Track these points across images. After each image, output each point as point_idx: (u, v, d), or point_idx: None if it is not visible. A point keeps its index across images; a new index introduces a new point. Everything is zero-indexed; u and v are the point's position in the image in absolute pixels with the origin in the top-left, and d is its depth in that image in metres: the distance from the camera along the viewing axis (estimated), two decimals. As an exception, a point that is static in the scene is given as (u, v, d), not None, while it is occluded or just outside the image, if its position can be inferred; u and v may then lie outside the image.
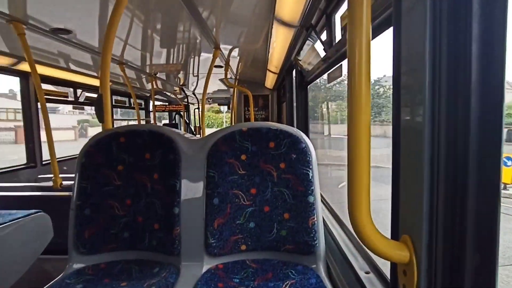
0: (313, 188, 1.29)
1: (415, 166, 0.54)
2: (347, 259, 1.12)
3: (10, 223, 1.70)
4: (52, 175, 3.43)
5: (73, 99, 4.30)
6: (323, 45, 1.57)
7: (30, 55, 2.23)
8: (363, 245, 0.56)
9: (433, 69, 0.50)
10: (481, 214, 0.47)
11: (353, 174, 0.52)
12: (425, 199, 0.51)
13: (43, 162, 3.61)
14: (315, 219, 1.27)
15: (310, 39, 1.87)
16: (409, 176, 0.56)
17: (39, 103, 3.48)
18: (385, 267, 0.97)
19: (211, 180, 1.34)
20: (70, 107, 5.26)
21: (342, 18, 1.27)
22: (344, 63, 1.56)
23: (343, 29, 1.29)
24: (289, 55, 2.56)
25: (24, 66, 3.15)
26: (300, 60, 2.16)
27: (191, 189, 1.36)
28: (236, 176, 1.35)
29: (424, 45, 0.50)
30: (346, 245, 1.23)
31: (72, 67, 3.64)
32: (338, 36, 1.47)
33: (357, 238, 0.56)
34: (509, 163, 7.39)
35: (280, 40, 2.21)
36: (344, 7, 1.44)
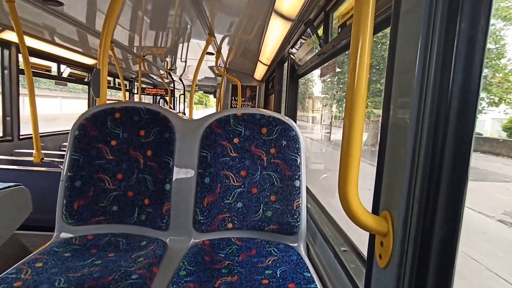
0: (300, 173, 1.37)
1: (399, 154, 0.62)
2: (327, 239, 1.22)
3: None
4: (28, 150, 3.32)
5: (56, 74, 4.15)
6: (319, 40, 1.64)
7: (19, 25, 2.14)
8: (349, 220, 0.64)
9: (422, 72, 0.57)
10: (450, 195, 0.55)
11: (345, 158, 0.60)
12: (405, 181, 0.60)
13: (20, 137, 3.50)
14: (300, 202, 1.36)
15: (305, 33, 1.93)
16: (393, 161, 0.64)
17: (19, 75, 3.35)
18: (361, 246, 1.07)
19: (203, 160, 1.39)
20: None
21: (340, 16, 1.34)
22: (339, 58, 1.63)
23: (340, 26, 1.36)
24: (282, 47, 2.61)
25: (6, 35, 3.00)
26: (293, 53, 2.22)
27: (184, 168, 1.40)
28: (228, 158, 1.40)
29: (417, 49, 0.57)
30: (327, 227, 1.33)
31: (58, 40, 3.49)
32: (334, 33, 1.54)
33: (344, 212, 0.64)
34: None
35: (275, 32, 2.25)
36: (341, 5, 1.50)
